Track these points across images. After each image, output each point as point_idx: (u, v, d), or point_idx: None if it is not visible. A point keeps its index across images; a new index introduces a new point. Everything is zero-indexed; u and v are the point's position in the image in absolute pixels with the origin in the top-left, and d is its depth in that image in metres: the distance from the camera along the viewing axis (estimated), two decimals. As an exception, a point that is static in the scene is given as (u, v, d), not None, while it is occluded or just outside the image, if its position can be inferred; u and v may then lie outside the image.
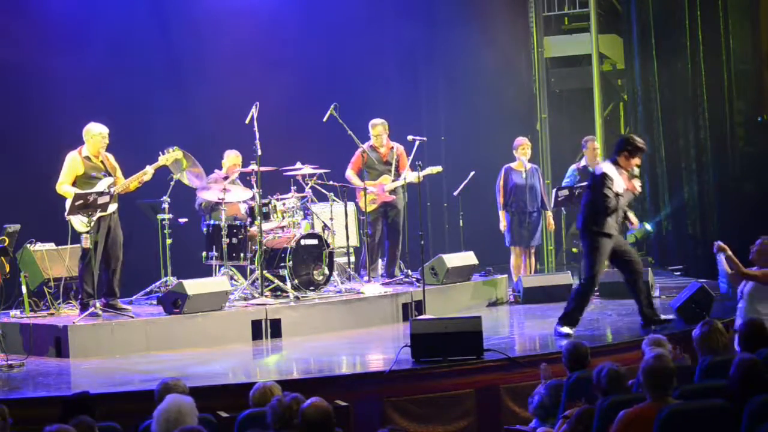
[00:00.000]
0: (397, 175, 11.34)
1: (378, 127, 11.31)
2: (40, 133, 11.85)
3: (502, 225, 11.62)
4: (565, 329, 8.95)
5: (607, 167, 9.00)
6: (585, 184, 11.85)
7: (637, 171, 9.11)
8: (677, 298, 9.81)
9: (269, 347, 9.55)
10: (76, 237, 9.62)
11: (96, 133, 9.68)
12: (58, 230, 10.07)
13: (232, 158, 11.00)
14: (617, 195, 8.89)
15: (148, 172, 9.72)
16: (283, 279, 10.31)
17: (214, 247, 10.43)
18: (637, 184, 9.10)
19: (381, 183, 11.29)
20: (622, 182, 8.94)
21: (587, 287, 9.10)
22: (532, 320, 10.40)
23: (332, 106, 11.09)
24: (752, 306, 8.53)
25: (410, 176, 11.18)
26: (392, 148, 11.42)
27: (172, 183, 10.56)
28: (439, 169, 11.56)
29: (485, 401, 7.98)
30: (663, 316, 9.24)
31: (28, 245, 10.52)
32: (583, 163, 11.99)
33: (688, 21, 13.63)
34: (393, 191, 11.35)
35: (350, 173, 11.36)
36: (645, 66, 14.03)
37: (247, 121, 10.42)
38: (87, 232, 9.40)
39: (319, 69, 13.63)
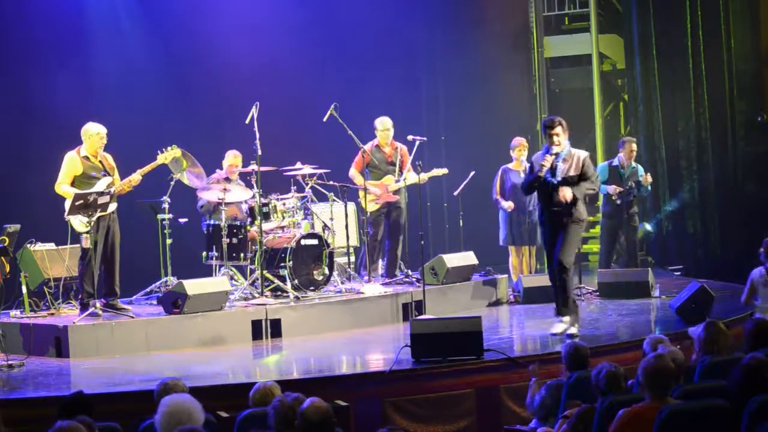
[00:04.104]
0: (401, 175, 11.33)
1: (386, 124, 11.31)
2: (40, 133, 11.84)
3: (508, 205, 11.54)
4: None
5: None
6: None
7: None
8: (677, 298, 9.81)
9: (269, 347, 9.54)
10: (76, 237, 9.61)
11: (94, 133, 9.66)
12: (58, 230, 10.05)
13: (231, 158, 10.99)
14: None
15: (135, 178, 9.70)
16: (283, 279, 10.31)
17: (214, 247, 10.43)
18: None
19: (384, 183, 11.28)
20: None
21: None
22: (532, 320, 10.37)
23: (332, 106, 11.08)
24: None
25: (412, 178, 11.16)
26: (396, 148, 11.41)
27: (172, 183, 10.55)
28: (444, 171, 11.57)
29: (485, 401, 7.98)
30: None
31: (28, 245, 10.52)
32: (615, 162, 11.97)
33: (689, 21, 13.63)
34: (396, 191, 11.34)
35: (353, 172, 11.33)
36: (645, 66, 14.03)
37: (247, 121, 10.41)
38: (87, 232, 9.40)
39: (319, 69, 13.63)
